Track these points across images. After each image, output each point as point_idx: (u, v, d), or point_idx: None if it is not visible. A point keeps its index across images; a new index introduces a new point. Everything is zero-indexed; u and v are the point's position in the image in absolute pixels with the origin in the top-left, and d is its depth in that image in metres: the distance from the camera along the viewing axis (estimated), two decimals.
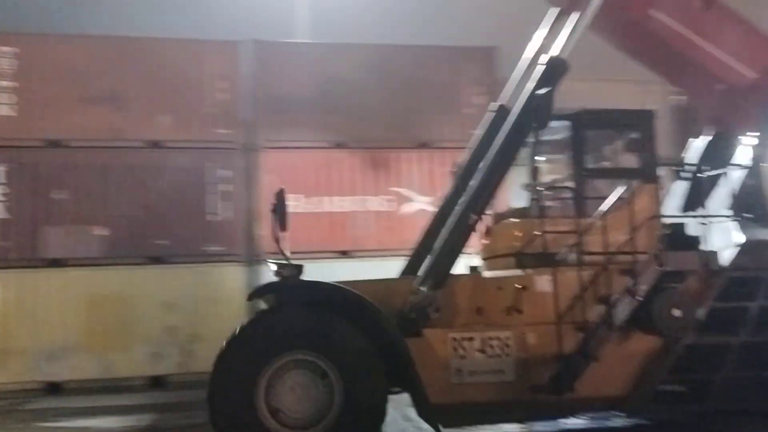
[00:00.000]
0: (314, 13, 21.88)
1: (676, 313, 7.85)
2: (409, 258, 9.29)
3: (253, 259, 13.87)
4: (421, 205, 14.47)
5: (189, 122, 14.16)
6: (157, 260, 13.56)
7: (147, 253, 13.56)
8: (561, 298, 7.90)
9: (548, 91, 7.94)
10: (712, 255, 8.35)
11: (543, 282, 7.99)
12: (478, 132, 9.48)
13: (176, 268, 13.60)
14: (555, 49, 8.30)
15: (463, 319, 7.90)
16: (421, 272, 8.10)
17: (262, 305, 8.30)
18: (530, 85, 8.13)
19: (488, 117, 9.46)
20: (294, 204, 14.04)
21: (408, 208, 14.55)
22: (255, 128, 14.43)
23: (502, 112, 9.13)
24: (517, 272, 8.12)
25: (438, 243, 8.05)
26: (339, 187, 14.53)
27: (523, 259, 8.12)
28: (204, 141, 14.13)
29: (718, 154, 9.36)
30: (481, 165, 8.33)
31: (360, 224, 14.41)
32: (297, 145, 14.44)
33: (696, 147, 9.83)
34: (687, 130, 16.94)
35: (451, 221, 8.03)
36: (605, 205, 8.09)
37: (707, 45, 8.92)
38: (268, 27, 18.35)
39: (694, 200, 9.06)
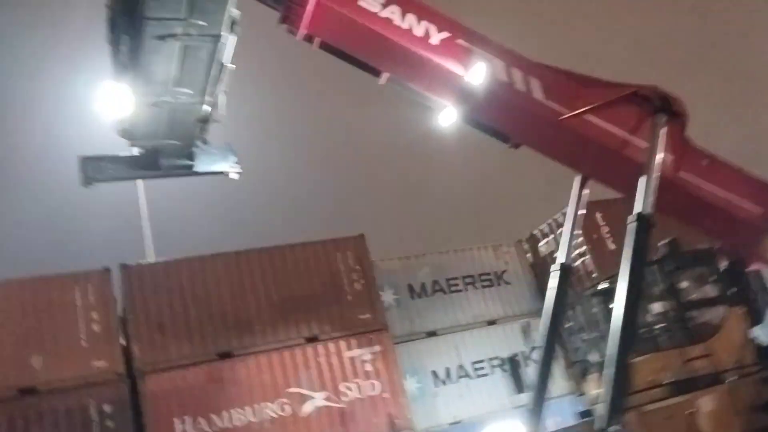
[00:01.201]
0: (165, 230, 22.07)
1: None
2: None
3: None
4: (321, 401, 14.11)
5: (64, 360, 13.26)
6: None
7: None
8: (729, 414, 9.02)
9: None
10: None
11: (708, 403, 9.13)
12: (550, 288, 11.01)
13: None
14: (638, 208, 9.70)
15: None
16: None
17: None
18: (629, 240, 9.63)
19: (554, 275, 10.99)
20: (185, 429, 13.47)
21: (309, 407, 14.08)
22: (134, 354, 13.73)
23: (565, 269, 10.96)
24: (678, 399, 9.19)
25: (606, 387, 8.79)
26: (233, 399, 13.85)
27: (677, 387, 9.31)
28: (82, 377, 13.23)
29: (735, 281, 10.97)
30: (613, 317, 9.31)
31: None
32: (181, 363, 13.83)
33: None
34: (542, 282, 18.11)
35: (610, 367, 8.83)
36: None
37: (720, 191, 10.69)
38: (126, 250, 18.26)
39: None
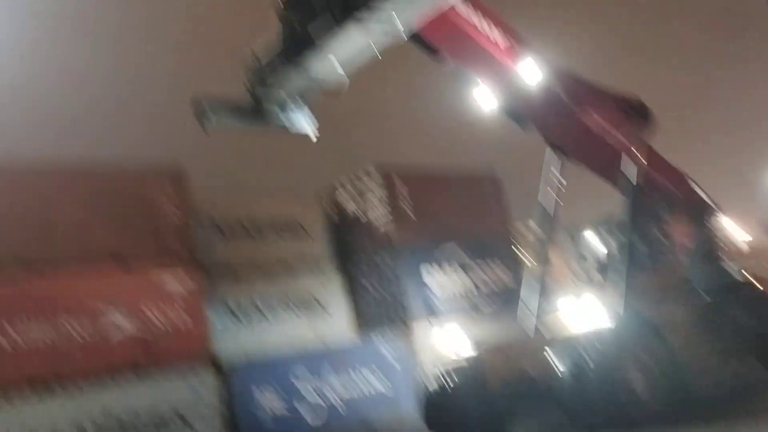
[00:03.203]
0: None
1: None
2: None
3: None
4: (126, 326, 14.13)
5: None
6: None
7: None
8: None
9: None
10: None
11: None
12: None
13: None
14: (632, 180, 13.49)
15: None
16: None
17: None
18: (628, 198, 13.44)
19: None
20: None
21: (114, 332, 14.04)
22: None
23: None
24: None
25: (622, 290, 12.74)
26: (33, 311, 13.36)
27: None
28: None
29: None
30: None
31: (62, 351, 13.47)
32: None
33: None
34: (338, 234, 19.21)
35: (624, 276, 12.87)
36: None
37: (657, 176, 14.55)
38: None
39: None
